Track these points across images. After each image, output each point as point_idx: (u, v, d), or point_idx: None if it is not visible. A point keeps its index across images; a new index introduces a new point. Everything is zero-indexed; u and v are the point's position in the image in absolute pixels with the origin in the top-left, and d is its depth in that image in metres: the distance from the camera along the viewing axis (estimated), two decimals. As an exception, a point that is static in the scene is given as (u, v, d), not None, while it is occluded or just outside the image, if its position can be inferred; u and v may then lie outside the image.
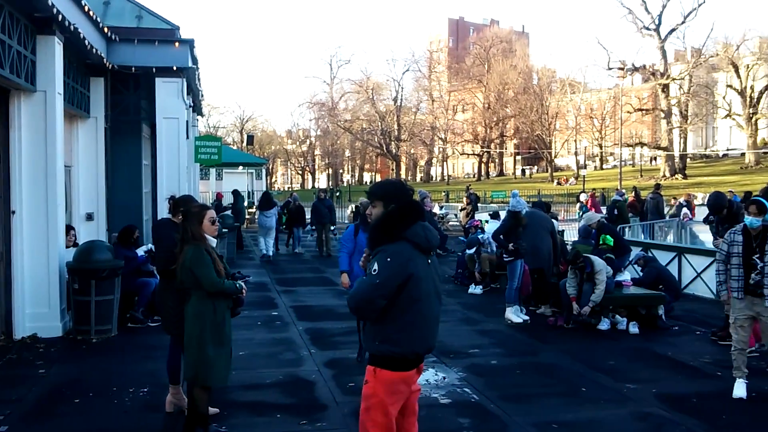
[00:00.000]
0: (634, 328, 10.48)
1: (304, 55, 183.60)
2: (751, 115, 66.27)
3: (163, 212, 12.46)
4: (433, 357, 8.75)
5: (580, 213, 25.78)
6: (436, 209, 30.83)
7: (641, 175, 69.88)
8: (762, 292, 7.17)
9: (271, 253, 20.67)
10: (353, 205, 28.59)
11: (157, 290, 7.03)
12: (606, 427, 6.44)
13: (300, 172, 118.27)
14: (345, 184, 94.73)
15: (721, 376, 7.94)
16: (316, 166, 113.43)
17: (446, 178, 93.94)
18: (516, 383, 7.93)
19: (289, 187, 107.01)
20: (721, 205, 9.43)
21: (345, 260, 8.60)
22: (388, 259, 3.93)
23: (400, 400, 4.12)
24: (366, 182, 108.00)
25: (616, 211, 22.02)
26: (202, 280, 5.68)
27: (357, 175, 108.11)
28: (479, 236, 15.35)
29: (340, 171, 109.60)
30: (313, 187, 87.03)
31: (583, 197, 29.04)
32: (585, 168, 72.98)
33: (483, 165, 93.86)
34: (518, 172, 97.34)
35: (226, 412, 6.68)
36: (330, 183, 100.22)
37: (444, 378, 8.05)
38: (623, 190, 25.31)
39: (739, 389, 7.25)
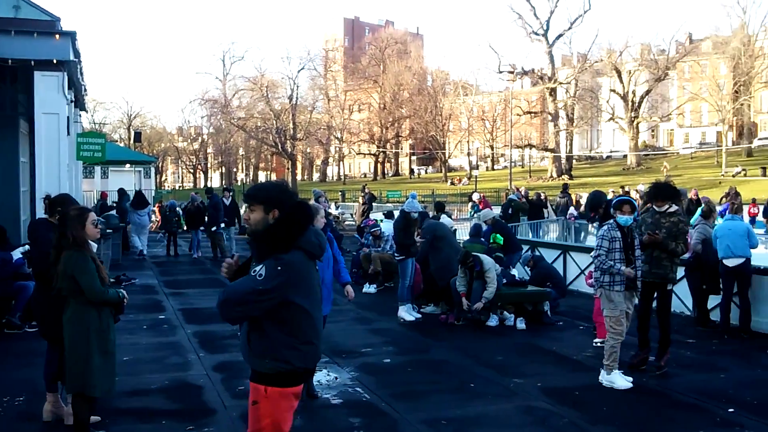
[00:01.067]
0: (521, 324, 10.79)
1: (195, 51, 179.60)
2: (632, 119, 69.78)
3: (42, 212, 11.84)
4: (325, 357, 8.70)
5: (472, 212, 26.33)
6: (332, 209, 30.78)
7: (530, 176, 72.30)
8: (636, 285, 7.64)
9: (146, 252, 20.84)
10: None
11: (34, 294, 6.66)
12: (493, 422, 6.58)
13: (192, 170, 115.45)
14: (239, 183, 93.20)
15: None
16: (209, 165, 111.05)
17: (343, 177, 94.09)
18: (407, 381, 8.00)
19: (179, 186, 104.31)
20: (599, 204, 9.86)
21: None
22: (279, 268, 3.61)
23: (291, 415, 3.90)
24: (262, 181, 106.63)
25: (510, 210, 22.58)
26: (86, 290, 5.45)
27: (252, 174, 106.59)
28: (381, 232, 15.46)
29: (234, 170, 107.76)
30: (206, 185, 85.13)
31: (475, 197, 29.68)
32: (477, 168, 74.84)
33: (379, 165, 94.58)
34: (413, 172, 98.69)
35: (109, 419, 6.40)
36: (223, 182, 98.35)
37: (336, 378, 8.02)
38: (522, 190, 26.10)
39: (623, 380, 7.58)
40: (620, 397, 7.34)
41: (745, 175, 55.82)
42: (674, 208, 8.45)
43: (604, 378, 7.64)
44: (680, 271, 11.43)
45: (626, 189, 30.94)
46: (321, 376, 8.00)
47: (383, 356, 9.13)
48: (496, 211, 28.01)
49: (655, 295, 8.40)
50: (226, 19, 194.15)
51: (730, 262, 10.25)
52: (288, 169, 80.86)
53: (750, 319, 10.21)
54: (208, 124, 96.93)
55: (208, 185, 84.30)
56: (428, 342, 10.08)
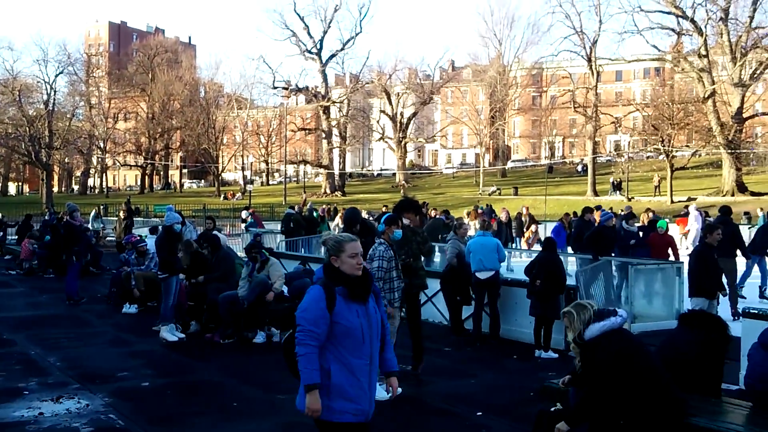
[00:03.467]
0: (288, 340, 10.73)
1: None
2: (401, 139, 73.21)
3: None
4: (75, 384, 8.04)
5: (245, 227, 26.03)
6: (90, 225, 28.90)
7: (305, 191, 73.06)
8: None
9: None
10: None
11: None
12: (254, 442, 6.44)
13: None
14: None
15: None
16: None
17: (106, 190, 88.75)
18: (167, 404, 7.63)
19: None
20: (354, 221, 10.17)
21: (314, 360, 4.15)
22: None
23: None
24: (11, 193, 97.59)
25: (292, 224, 22.49)
26: None
27: (1, 184, 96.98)
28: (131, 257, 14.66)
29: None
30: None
31: (244, 214, 29.38)
32: (252, 183, 74.29)
33: (147, 177, 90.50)
34: (185, 185, 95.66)
35: None
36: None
37: (87, 405, 7.45)
38: (309, 203, 26.27)
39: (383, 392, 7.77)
40: (384, 406, 7.50)
41: (500, 193, 60.71)
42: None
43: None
44: (438, 283, 12.14)
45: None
46: (70, 404, 7.38)
47: (141, 380, 8.64)
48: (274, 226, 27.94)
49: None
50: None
51: (482, 275, 10.98)
52: (42, 180, 74.44)
53: (499, 326, 11.01)
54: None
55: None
56: (191, 363, 9.71)
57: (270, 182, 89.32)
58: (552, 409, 5.71)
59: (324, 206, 27.33)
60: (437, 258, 16.40)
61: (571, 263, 16.18)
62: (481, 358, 10.00)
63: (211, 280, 11.54)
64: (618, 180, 57.44)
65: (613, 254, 13.85)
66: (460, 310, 11.56)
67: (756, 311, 7.81)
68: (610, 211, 20.31)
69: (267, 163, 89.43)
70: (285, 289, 11.89)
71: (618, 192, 55.85)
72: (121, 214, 25.05)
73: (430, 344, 10.34)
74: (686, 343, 5.89)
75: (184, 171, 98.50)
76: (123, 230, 22.64)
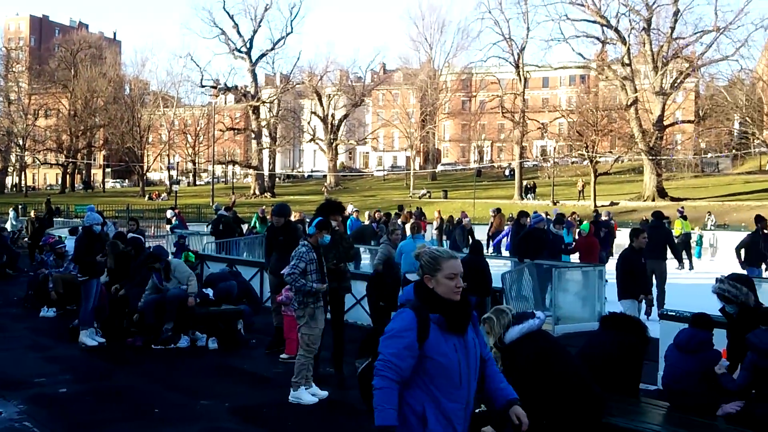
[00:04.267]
0: (213, 344, 10.55)
1: None
2: (332, 141, 73.04)
3: None
4: (-13, 391, 7.69)
5: (170, 228, 25.52)
6: (8, 225, 27.92)
7: (233, 192, 72.08)
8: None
9: None
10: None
11: None
12: (176, 449, 6.29)
13: None
14: None
15: (290, 385, 8.26)
16: None
17: (25, 189, 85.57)
18: (86, 411, 7.39)
19: None
20: (284, 214, 10.21)
21: (392, 397, 3.59)
22: None
23: None
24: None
25: (221, 226, 22.07)
26: None
27: None
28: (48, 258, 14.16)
29: None
30: None
31: (169, 213, 28.78)
32: (178, 183, 72.78)
33: (69, 176, 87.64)
34: (108, 185, 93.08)
35: None
36: None
37: (0, 413, 7.13)
38: (227, 205, 25.86)
39: (309, 396, 7.70)
40: (308, 411, 7.45)
41: (429, 196, 61.23)
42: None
43: (291, 395, 7.70)
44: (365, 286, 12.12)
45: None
46: (-19, 413, 7.05)
47: (60, 386, 8.34)
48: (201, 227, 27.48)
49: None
50: None
51: (413, 277, 11.00)
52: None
53: (426, 329, 11.06)
54: None
55: None
56: (112, 368, 9.43)
57: (197, 183, 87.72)
58: (477, 410, 5.75)
59: (264, 207, 26.96)
60: (366, 261, 16.43)
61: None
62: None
63: (135, 284, 11.23)
64: (531, 184, 58.64)
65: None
66: (385, 315, 11.53)
67: (673, 313, 8.07)
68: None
69: (194, 163, 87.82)
70: (210, 291, 11.68)
71: (531, 196, 56.98)
72: (32, 213, 24.13)
73: (349, 347, 10.31)
74: (606, 345, 6.03)
75: (108, 170, 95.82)
76: (34, 231, 21.65)
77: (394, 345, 3.45)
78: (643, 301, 10.20)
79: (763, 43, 54.66)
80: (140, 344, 10.56)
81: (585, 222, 16.64)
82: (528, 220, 16.12)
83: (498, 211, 24.82)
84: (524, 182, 59.20)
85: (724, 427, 5.34)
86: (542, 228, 14.28)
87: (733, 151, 60.75)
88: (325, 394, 7.76)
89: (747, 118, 47.75)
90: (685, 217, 24.89)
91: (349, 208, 23.46)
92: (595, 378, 5.57)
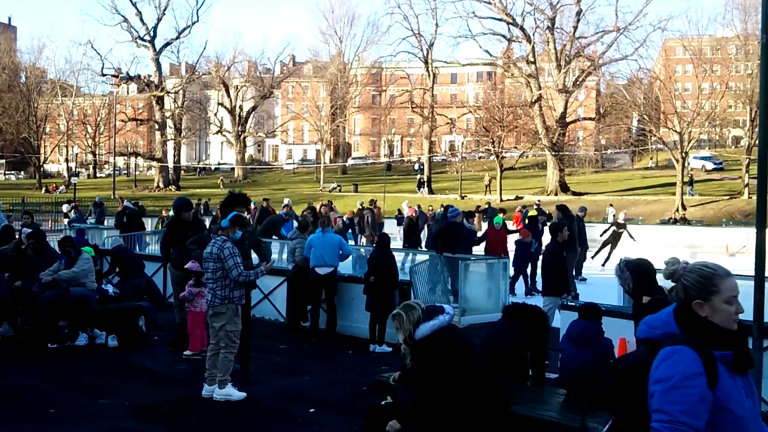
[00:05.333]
0: (113, 341, 10.19)
1: None
2: (239, 133, 71.89)
3: None
4: None
5: (68, 222, 24.58)
6: None
7: (136, 185, 70.02)
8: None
9: None
10: None
11: None
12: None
13: None
14: None
15: (194, 382, 8.09)
16: None
17: None
18: (-26, 414, 6.98)
19: None
20: (187, 207, 9.99)
21: None
22: None
23: None
24: None
25: (126, 219, 21.34)
26: None
27: None
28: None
29: None
30: None
31: (65, 208, 27.73)
32: (77, 175, 69.99)
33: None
34: (1, 177, 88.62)
35: None
36: None
37: None
38: (136, 201, 25.12)
39: (238, 392, 7.58)
40: (209, 408, 7.30)
41: (340, 190, 61.19)
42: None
43: (218, 393, 7.48)
44: (275, 281, 12.01)
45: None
46: None
47: (-56, 388, 7.86)
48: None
49: None
50: None
51: (322, 270, 10.93)
52: None
53: (336, 323, 11.02)
54: None
55: None
56: (6, 367, 8.97)
57: (98, 175, 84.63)
58: (383, 402, 5.77)
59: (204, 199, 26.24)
60: (275, 255, 16.20)
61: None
62: (317, 354, 9.98)
63: (33, 280, 10.69)
64: (425, 179, 59.25)
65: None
66: (302, 309, 11.46)
67: (573, 304, 8.33)
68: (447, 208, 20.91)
69: (95, 155, 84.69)
70: (110, 288, 11.28)
71: (423, 189, 57.56)
72: None
73: (266, 342, 10.21)
74: (508, 335, 6.16)
75: (2, 161, 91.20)
76: None
77: (682, 399, 2.59)
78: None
79: (660, 44, 57.38)
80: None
81: (498, 215, 16.97)
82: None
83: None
84: (419, 176, 59.69)
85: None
86: (458, 222, 14.55)
87: (632, 147, 63.32)
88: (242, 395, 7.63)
89: (645, 116, 49.82)
90: (539, 210, 25.35)
91: (285, 201, 23.30)
92: (497, 367, 5.67)
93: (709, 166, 60.40)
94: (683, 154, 44.88)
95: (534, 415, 5.36)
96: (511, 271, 14.75)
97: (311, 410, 7.22)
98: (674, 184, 45.41)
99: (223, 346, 7.51)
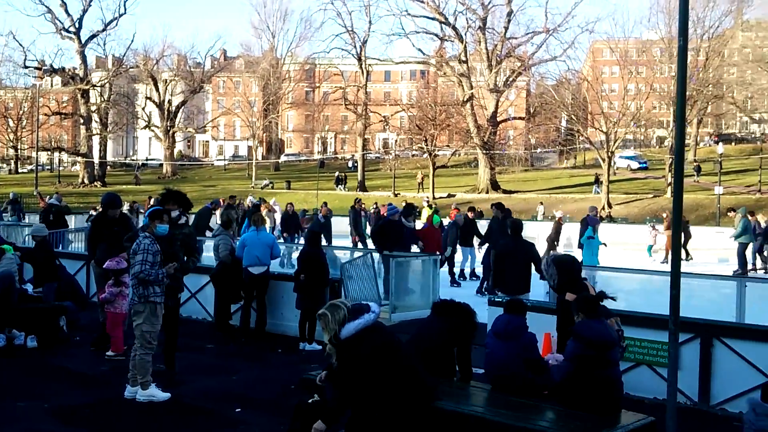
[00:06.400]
0: (32, 342, 9.81)
1: None
2: (168, 128, 70.33)
3: None
4: None
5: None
6: None
7: (59, 181, 67.80)
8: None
9: None
10: None
11: None
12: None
13: None
14: None
15: (117, 383, 7.85)
16: None
17: None
18: None
19: None
20: (115, 204, 9.79)
21: None
22: None
23: None
24: None
25: (52, 216, 20.57)
26: None
27: None
28: None
29: None
30: None
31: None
32: (-1, 171, 67.47)
33: None
34: None
35: None
36: None
37: None
38: (59, 195, 24.26)
39: (162, 392, 7.39)
40: (132, 409, 7.12)
41: (272, 187, 60.56)
42: (184, 219, 8.66)
43: (141, 395, 7.28)
44: (203, 279, 11.80)
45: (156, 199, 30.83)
46: None
47: None
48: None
49: None
50: None
51: (255, 270, 10.77)
52: None
53: (266, 321, 10.90)
54: None
55: None
56: None
57: (20, 170, 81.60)
58: (310, 401, 5.74)
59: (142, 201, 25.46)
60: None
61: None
62: (246, 353, 9.86)
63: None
64: (343, 176, 59.08)
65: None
66: (229, 307, 11.28)
67: (499, 300, 8.44)
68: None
69: (16, 150, 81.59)
70: (29, 287, 10.90)
71: (341, 186, 57.50)
72: None
73: (193, 341, 10.03)
74: (436, 331, 6.20)
75: None
76: None
77: None
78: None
79: (588, 46, 58.83)
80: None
81: (436, 215, 17.14)
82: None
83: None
84: (336, 173, 59.08)
85: (544, 406, 5.64)
86: (396, 219, 14.58)
87: (560, 147, 64.72)
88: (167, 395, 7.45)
89: (573, 116, 51.00)
90: (431, 206, 25.76)
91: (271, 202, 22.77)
92: (425, 364, 5.70)
93: (635, 165, 62.37)
94: (609, 153, 46.18)
95: (459, 410, 5.41)
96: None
97: (237, 409, 7.13)
98: (601, 182, 46.69)
99: (139, 346, 7.33)
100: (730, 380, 7.32)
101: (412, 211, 15.82)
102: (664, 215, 26.39)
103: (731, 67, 57.76)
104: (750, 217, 20.12)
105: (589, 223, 17.25)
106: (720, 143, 50.19)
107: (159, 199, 8.89)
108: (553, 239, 20.82)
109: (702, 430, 6.90)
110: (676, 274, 5.11)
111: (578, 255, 16.32)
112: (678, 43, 5.18)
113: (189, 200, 8.85)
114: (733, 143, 70.35)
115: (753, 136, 76.21)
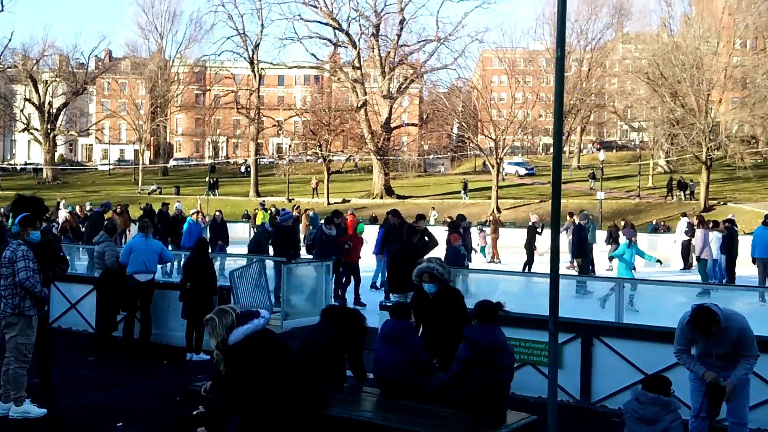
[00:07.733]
0: None
1: None
2: (49, 131, 67.10)
3: None
4: None
5: None
6: None
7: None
8: None
9: None
10: None
11: None
12: None
13: None
14: None
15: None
16: None
17: None
18: None
19: None
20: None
21: None
22: None
23: None
24: None
25: None
26: None
27: None
28: None
29: None
30: None
31: None
32: None
33: None
34: None
35: None
36: None
37: None
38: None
39: (37, 408, 6.96)
40: (5, 427, 6.72)
41: (160, 192, 58.79)
42: (44, 225, 8.28)
43: (14, 411, 6.83)
44: (82, 289, 11.30)
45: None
46: None
47: None
48: None
49: None
50: None
51: (142, 277, 10.36)
52: None
53: (150, 332, 10.52)
54: None
55: None
56: None
57: None
58: (194, 412, 5.57)
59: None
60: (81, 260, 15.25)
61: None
62: (130, 365, 9.49)
63: None
64: (214, 179, 57.42)
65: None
66: (114, 317, 10.81)
67: (389, 304, 8.49)
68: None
69: None
70: None
71: (214, 192, 56.16)
72: None
73: (73, 354, 9.59)
74: (325, 337, 6.17)
75: None
76: None
77: None
78: None
79: (477, 55, 60.36)
80: None
81: (360, 223, 17.03)
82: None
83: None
84: (207, 178, 56.80)
85: (431, 409, 5.69)
86: (289, 225, 14.51)
87: (452, 153, 66.09)
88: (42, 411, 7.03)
89: (463, 123, 52.23)
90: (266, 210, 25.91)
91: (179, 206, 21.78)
92: (315, 370, 5.66)
93: (522, 171, 64.47)
94: (498, 159, 47.56)
95: (348, 416, 5.39)
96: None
97: (119, 424, 6.84)
98: (490, 188, 47.99)
99: (13, 359, 6.91)
100: (609, 378, 7.63)
101: (333, 219, 15.58)
102: (490, 218, 29.22)
103: (612, 77, 60.74)
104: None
105: (626, 235, 15.87)
106: (602, 150, 52.49)
107: (10, 207, 8.34)
108: (531, 245, 20.51)
109: (583, 426, 7.15)
110: (554, 277, 5.27)
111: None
112: (556, 54, 5.35)
113: (44, 206, 8.24)
114: (614, 150, 73.84)
115: (633, 143, 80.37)
